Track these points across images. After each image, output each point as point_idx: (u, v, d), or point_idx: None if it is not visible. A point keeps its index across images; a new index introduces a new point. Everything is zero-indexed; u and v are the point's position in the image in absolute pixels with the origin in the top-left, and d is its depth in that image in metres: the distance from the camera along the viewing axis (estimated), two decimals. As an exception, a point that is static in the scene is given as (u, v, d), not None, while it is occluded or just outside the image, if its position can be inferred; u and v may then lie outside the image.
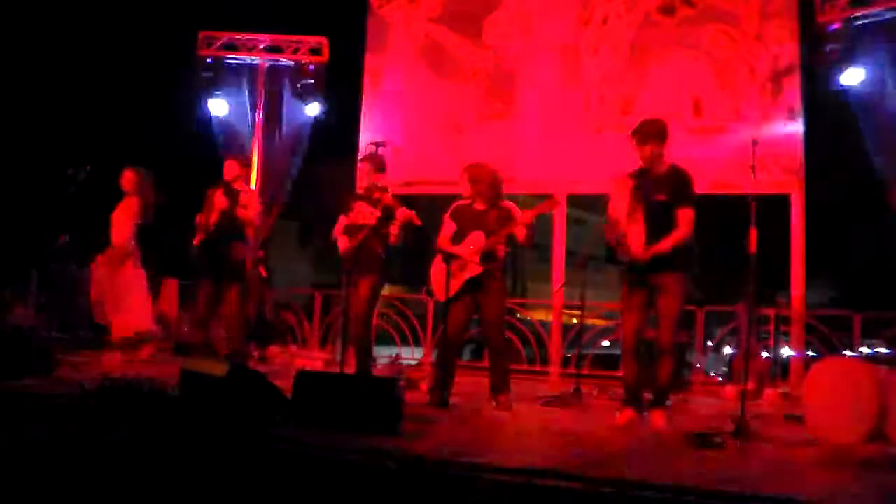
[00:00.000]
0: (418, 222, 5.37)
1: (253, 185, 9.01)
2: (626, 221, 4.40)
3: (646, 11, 7.82)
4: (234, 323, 5.99)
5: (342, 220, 5.61)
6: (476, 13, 8.51)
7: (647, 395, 4.56)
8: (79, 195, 6.49)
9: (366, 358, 5.62)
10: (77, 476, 3.12)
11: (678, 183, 4.46)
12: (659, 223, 4.37)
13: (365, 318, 5.55)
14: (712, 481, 2.87)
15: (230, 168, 6.25)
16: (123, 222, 6.42)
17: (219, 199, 6.02)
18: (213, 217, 5.94)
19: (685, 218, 4.38)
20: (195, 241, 6.01)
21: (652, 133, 4.52)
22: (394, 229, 5.37)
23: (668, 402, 4.57)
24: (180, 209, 6.80)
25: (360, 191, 5.79)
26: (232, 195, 6.03)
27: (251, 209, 6.20)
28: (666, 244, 4.34)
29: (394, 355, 8.72)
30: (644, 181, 4.48)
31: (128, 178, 6.46)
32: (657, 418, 4.35)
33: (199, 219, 6.08)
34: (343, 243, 5.52)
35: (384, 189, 5.62)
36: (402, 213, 5.36)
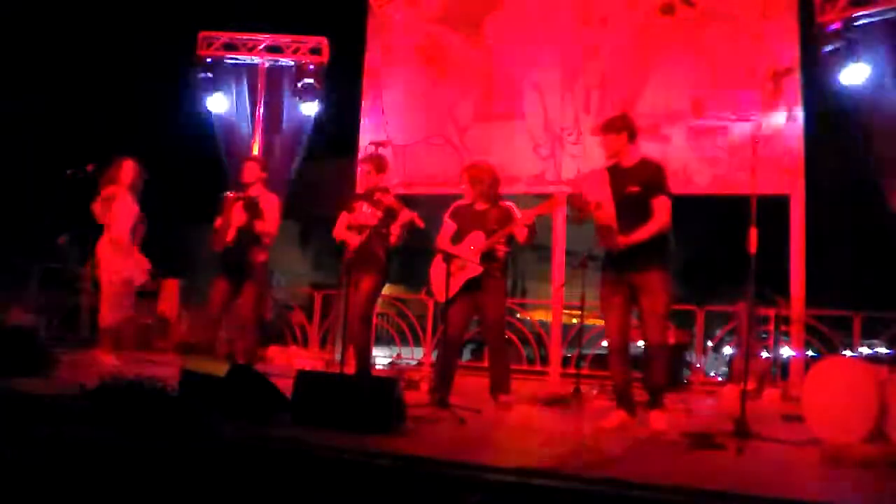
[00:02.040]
0: (421, 224, 5.37)
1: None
2: (613, 209, 4.34)
3: (646, 11, 7.82)
4: (249, 323, 5.96)
5: (343, 219, 5.61)
6: (476, 13, 8.51)
7: (643, 397, 4.54)
8: (79, 195, 6.49)
9: (366, 358, 5.62)
10: (77, 476, 3.12)
11: (650, 173, 4.42)
12: (633, 215, 4.30)
13: (365, 319, 5.55)
14: (712, 481, 2.87)
15: (251, 170, 6.07)
16: (126, 215, 6.42)
17: (237, 215, 5.87)
18: (231, 234, 5.84)
19: (662, 206, 4.33)
20: (216, 247, 5.89)
21: (616, 126, 4.52)
22: (395, 229, 5.38)
23: (665, 402, 4.55)
24: (180, 209, 6.80)
25: (361, 191, 5.79)
26: (251, 209, 5.88)
27: (270, 221, 5.98)
28: (643, 233, 4.27)
29: (394, 356, 8.73)
30: (614, 175, 4.46)
31: (131, 168, 6.46)
32: (657, 419, 4.32)
33: (218, 224, 5.93)
34: (352, 239, 5.51)
35: (385, 189, 5.62)
36: (405, 215, 5.36)
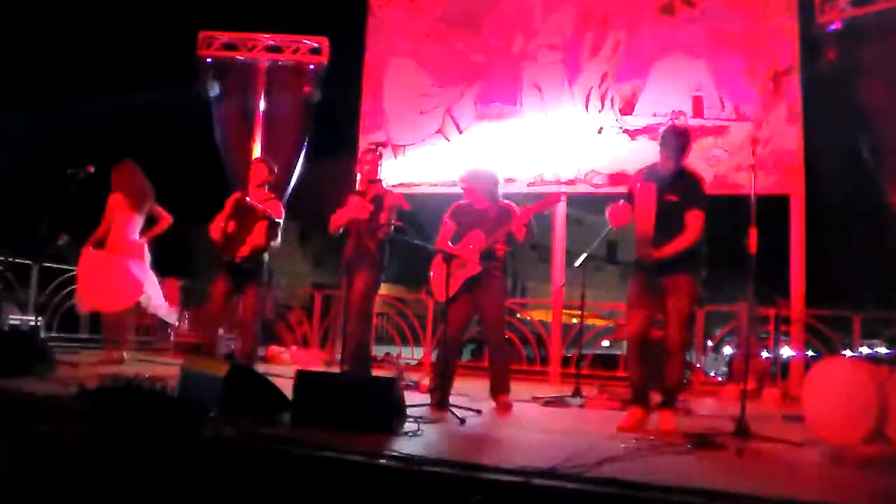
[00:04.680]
0: (406, 206, 5.36)
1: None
2: (651, 223, 4.39)
3: (646, 11, 7.82)
4: (250, 325, 5.97)
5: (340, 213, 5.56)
6: (476, 13, 8.51)
7: (654, 396, 4.54)
8: (79, 195, 6.50)
9: (363, 356, 5.57)
10: (77, 476, 3.13)
11: (689, 184, 4.48)
12: (668, 224, 4.37)
13: (362, 316, 5.48)
14: (712, 481, 2.87)
15: (259, 171, 6.09)
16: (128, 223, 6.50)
17: (258, 234, 5.84)
18: (247, 251, 5.85)
19: (694, 221, 4.39)
20: (227, 255, 5.88)
21: (678, 137, 4.55)
22: (383, 217, 5.33)
23: (676, 403, 4.57)
24: (180, 209, 6.79)
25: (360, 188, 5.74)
26: (273, 229, 5.89)
27: (279, 233, 6.05)
28: (673, 247, 4.34)
29: (392, 355, 8.73)
30: (658, 180, 4.49)
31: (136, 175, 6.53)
32: (666, 419, 4.33)
33: (231, 228, 5.85)
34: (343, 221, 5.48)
35: (376, 180, 5.58)
36: (391, 198, 5.36)
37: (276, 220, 5.88)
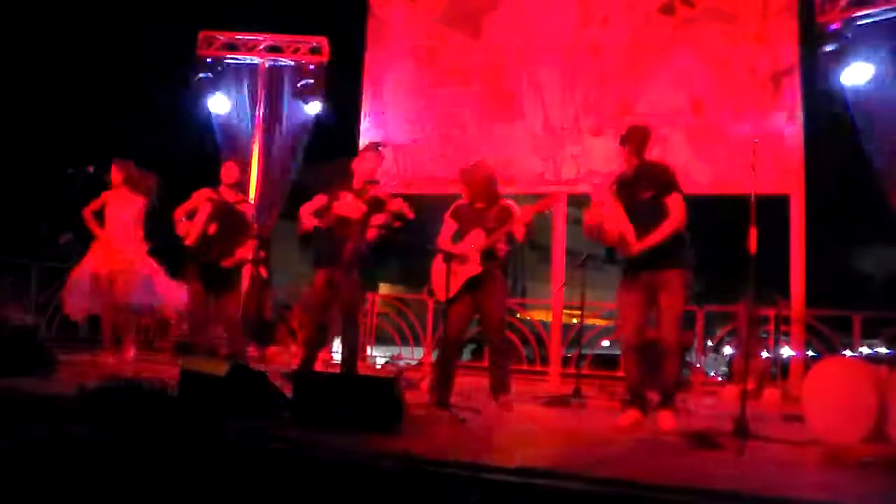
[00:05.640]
0: (410, 214, 5.33)
1: (253, 185, 9.01)
2: (624, 221, 4.39)
3: (646, 11, 7.82)
4: (236, 328, 5.99)
5: (318, 200, 5.44)
6: (476, 13, 8.51)
7: (653, 396, 4.53)
8: (79, 195, 6.50)
9: (353, 357, 5.54)
10: (77, 476, 3.12)
11: (659, 175, 4.49)
12: (648, 220, 4.36)
13: (352, 316, 5.47)
14: (712, 481, 2.87)
15: (231, 171, 6.11)
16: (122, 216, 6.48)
17: (245, 251, 5.97)
18: (230, 262, 5.87)
19: (675, 204, 4.38)
20: (188, 242, 5.87)
21: (637, 136, 4.56)
22: (378, 220, 5.30)
23: (675, 403, 4.55)
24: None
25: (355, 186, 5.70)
26: (261, 248, 5.94)
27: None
28: (661, 233, 4.33)
29: (394, 355, 8.73)
30: (626, 182, 4.50)
31: (116, 169, 6.51)
32: (665, 419, 4.32)
33: (212, 230, 5.86)
34: (307, 222, 5.39)
35: (374, 182, 5.56)
36: (394, 204, 5.33)
37: (266, 239, 5.93)
